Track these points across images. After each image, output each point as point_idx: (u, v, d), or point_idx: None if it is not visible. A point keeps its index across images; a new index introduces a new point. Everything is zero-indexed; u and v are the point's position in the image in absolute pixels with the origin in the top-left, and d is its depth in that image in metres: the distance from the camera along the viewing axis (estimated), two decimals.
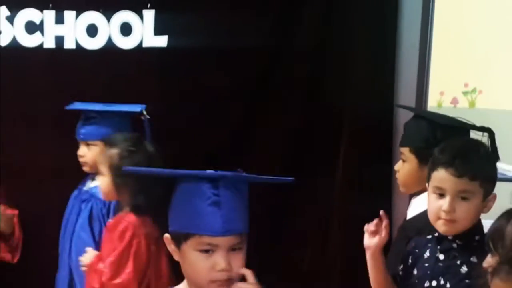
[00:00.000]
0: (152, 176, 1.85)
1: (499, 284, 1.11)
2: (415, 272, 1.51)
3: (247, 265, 1.12)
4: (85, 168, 2.31)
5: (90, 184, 2.43)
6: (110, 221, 2.10)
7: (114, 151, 2.01)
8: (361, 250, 1.60)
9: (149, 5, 2.63)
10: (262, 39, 2.73)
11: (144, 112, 2.26)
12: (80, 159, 2.30)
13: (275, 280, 2.11)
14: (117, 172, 1.94)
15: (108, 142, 2.08)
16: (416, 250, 1.57)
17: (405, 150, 1.95)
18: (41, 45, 2.63)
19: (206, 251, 1.08)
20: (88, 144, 2.30)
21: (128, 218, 1.95)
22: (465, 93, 2.87)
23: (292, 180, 1.37)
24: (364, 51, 2.77)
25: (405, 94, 2.75)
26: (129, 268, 1.90)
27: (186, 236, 1.08)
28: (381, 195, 2.71)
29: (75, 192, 2.49)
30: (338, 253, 2.75)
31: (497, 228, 1.19)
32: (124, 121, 2.35)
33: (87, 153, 2.29)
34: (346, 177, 2.75)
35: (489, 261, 1.16)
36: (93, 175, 2.33)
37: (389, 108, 2.76)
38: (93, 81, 2.66)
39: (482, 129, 1.89)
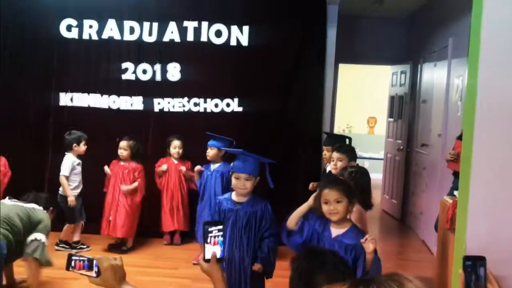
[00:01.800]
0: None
1: None
2: None
3: None
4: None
5: (214, 167, 4.57)
6: None
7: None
8: None
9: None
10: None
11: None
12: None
13: None
14: None
15: None
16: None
17: (327, 147, 4.42)
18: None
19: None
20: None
21: None
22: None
23: (276, 162, 3.28)
24: (313, 103, 5.25)
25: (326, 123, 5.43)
26: None
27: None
28: (316, 165, 5.17)
29: (207, 172, 4.55)
30: None
31: None
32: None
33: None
34: (295, 163, 5.25)
35: None
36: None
37: (320, 129, 5.28)
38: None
39: (348, 137, 4.58)
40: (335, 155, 3.82)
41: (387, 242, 5.73)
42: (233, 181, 2.98)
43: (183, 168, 4.97)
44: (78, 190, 4.76)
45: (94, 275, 1.56)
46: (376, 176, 7.30)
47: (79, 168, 4.76)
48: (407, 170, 6.69)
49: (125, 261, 1.64)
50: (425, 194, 5.73)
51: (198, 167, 4.66)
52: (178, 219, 4.99)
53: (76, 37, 5.25)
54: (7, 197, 3.44)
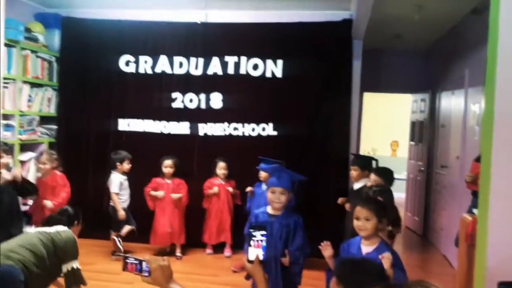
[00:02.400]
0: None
1: None
2: None
3: None
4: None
5: (265, 187, 4.24)
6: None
7: None
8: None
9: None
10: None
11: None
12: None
13: None
14: None
15: None
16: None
17: (354, 167, 4.30)
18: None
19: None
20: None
21: None
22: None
23: (307, 179, 3.19)
24: (340, 128, 5.16)
25: (352, 145, 5.31)
26: None
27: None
28: (344, 184, 5.01)
29: (258, 190, 4.52)
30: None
31: None
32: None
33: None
34: (331, 180, 5.11)
35: None
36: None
37: (347, 151, 5.17)
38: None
39: (374, 159, 4.48)
40: (373, 177, 3.75)
41: (411, 257, 5.55)
42: (269, 195, 2.97)
43: (230, 189, 4.99)
44: (125, 204, 4.82)
45: (146, 274, 1.59)
46: (399, 195, 7.11)
47: (126, 184, 4.83)
48: (428, 189, 6.50)
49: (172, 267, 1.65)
50: (445, 212, 5.54)
51: (249, 189, 4.69)
52: (225, 233, 5.00)
53: (133, 71, 5.42)
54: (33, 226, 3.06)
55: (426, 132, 6.55)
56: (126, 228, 4.81)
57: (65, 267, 2.81)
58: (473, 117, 4.66)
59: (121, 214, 4.71)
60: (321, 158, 5.15)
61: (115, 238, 4.72)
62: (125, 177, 4.84)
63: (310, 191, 4.76)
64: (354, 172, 4.22)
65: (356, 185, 4.22)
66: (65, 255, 2.83)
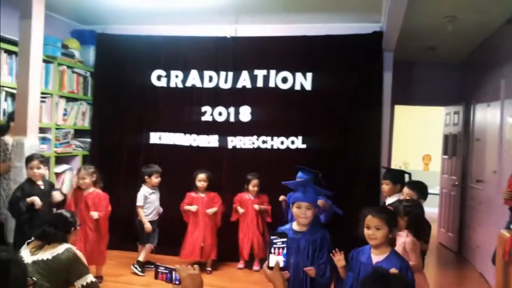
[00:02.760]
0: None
1: None
2: None
3: None
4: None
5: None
6: None
7: None
8: None
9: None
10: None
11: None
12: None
13: None
14: None
15: None
16: None
17: (386, 181, 4.13)
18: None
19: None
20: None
21: None
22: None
23: (333, 194, 3.27)
24: (371, 141, 5.08)
25: (383, 159, 5.21)
26: None
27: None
28: (375, 198, 4.92)
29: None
30: None
31: None
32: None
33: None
34: (362, 194, 4.99)
35: None
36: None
37: (378, 165, 5.10)
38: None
39: (407, 172, 4.30)
40: (406, 190, 3.67)
41: (446, 274, 5.36)
42: (295, 210, 2.93)
43: (256, 206, 4.92)
44: (150, 217, 4.81)
45: (177, 283, 1.62)
46: (432, 210, 6.92)
47: (151, 198, 4.81)
48: (462, 205, 6.29)
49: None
50: (481, 228, 5.34)
51: (282, 197, 4.59)
52: (254, 248, 4.94)
53: (165, 85, 5.53)
54: (29, 250, 2.67)
55: (460, 146, 6.37)
56: (146, 247, 4.83)
57: (79, 284, 2.63)
58: (509, 130, 4.51)
59: (147, 227, 4.73)
60: (351, 173, 5.09)
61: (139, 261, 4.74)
62: (151, 191, 4.85)
63: (341, 206, 4.69)
64: (385, 186, 4.12)
65: (389, 200, 4.11)
66: (72, 275, 2.63)
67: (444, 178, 6.95)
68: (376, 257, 2.44)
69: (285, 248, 1.83)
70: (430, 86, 6.74)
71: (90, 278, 2.67)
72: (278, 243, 1.82)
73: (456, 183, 6.41)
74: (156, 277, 1.69)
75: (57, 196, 3.81)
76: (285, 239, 1.83)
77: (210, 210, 4.84)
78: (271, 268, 1.77)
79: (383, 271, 1.95)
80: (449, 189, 6.69)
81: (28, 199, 3.74)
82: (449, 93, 6.75)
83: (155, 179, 4.83)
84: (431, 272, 5.28)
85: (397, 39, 4.76)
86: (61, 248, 2.65)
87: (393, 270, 2.21)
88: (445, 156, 6.95)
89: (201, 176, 4.89)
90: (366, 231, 2.48)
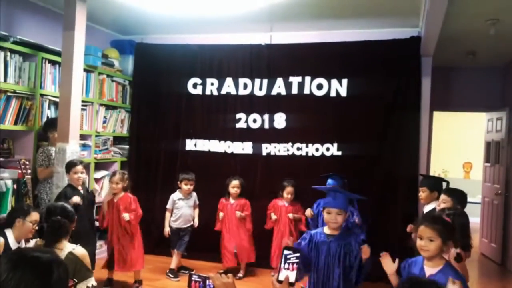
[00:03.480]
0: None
1: None
2: None
3: None
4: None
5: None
6: None
7: None
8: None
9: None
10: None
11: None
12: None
13: None
14: None
15: None
16: None
17: (422, 188, 4.04)
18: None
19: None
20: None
21: None
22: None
23: (366, 199, 3.10)
24: (408, 148, 4.97)
25: (421, 167, 5.09)
26: None
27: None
28: (413, 206, 4.85)
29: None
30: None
31: None
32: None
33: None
34: (399, 201, 4.93)
35: None
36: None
37: (416, 172, 4.97)
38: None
39: (445, 180, 4.11)
40: (442, 196, 3.56)
41: (489, 286, 5.15)
42: (325, 215, 2.89)
43: (290, 215, 4.83)
44: (176, 224, 4.83)
45: None
46: (473, 220, 6.67)
47: (179, 203, 4.85)
48: (506, 214, 6.04)
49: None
50: None
51: (308, 212, 4.46)
52: None
53: (200, 93, 5.61)
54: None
55: (503, 153, 6.13)
56: (176, 256, 4.86)
57: (81, 286, 2.57)
58: None
59: (165, 231, 4.81)
60: (388, 180, 4.98)
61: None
62: (181, 196, 4.89)
63: (378, 213, 4.60)
64: (422, 194, 4.01)
65: (427, 208, 4.01)
66: (75, 278, 2.54)
67: (486, 187, 6.69)
68: (430, 270, 2.34)
69: (298, 263, 1.83)
70: (470, 91, 6.53)
71: (92, 281, 2.65)
72: (292, 258, 1.81)
73: (499, 191, 6.16)
74: (189, 286, 1.69)
75: (75, 199, 3.89)
76: (298, 254, 1.82)
77: (238, 213, 4.83)
78: (280, 282, 1.76)
79: (420, 278, 1.88)
80: (491, 198, 6.44)
81: (72, 200, 3.83)
82: (490, 98, 6.52)
83: (184, 186, 4.86)
84: (473, 284, 5.07)
85: (435, 44, 4.64)
86: (64, 252, 2.64)
87: (457, 282, 2.11)
88: (487, 164, 6.70)
89: (234, 182, 4.90)
90: (418, 242, 2.37)
